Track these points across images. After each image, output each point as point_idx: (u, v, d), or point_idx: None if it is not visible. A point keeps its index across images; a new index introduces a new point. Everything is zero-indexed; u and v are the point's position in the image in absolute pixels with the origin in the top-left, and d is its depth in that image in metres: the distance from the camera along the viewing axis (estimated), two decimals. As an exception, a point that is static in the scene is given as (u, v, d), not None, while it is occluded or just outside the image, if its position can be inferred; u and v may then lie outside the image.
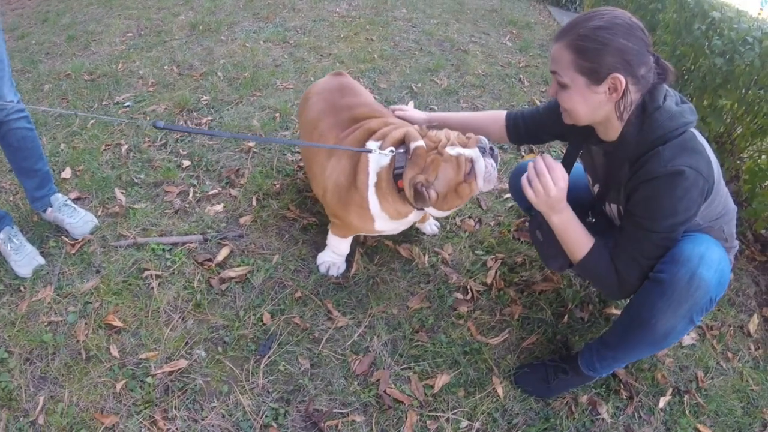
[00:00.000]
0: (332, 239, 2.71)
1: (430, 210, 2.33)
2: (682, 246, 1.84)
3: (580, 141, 2.21)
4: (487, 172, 2.25)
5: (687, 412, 2.35)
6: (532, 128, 2.46)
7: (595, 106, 1.84)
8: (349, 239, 2.70)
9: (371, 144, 2.37)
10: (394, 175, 2.27)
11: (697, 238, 1.86)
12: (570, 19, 1.86)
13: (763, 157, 3.49)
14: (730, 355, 2.64)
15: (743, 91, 3.52)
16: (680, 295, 1.78)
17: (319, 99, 2.72)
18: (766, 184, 3.33)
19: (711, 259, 1.79)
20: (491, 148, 2.29)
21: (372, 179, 2.33)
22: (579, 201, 2.19)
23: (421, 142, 2.24)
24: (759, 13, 5.70)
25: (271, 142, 2.66)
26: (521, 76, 5.35)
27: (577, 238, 2.06)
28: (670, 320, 1.82)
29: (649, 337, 1.90)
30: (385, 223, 2.44)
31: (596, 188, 2.21)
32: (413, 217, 2.45)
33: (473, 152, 2.24)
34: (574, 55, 1.78)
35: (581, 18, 1.81)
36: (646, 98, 1.82)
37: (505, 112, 2.55)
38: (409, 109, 2.76)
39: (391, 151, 2.29)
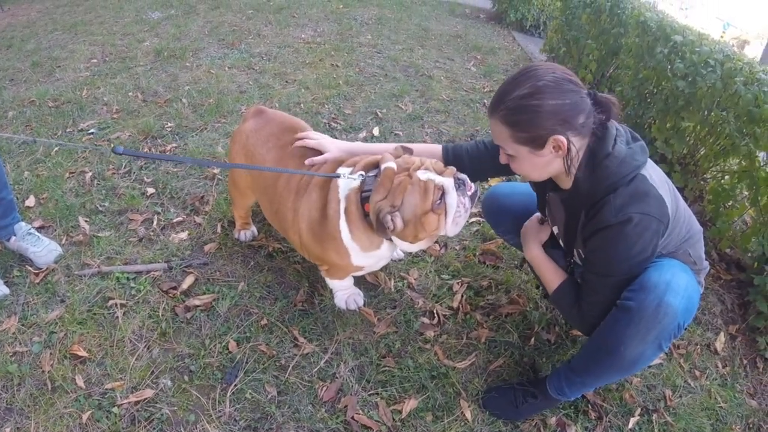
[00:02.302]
0: (332, 284, 2.67)
1: (396, 241, 2.26)
2: (649, 273, 1.86)
3: (537, 187, 2.28)
4: (457, 212, 2.13)
5: (656, 430, 2.38)
6: (476, 165, 2.39)
7: (543, 166, 1.88)
8: (349, 277, 2.66)
9: (341, 170, 2.32)
10: (362, 198, 2.19)
11: (664, 265, 1.89)
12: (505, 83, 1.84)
13: (726, 177, 3.56)
14: (697, 373, 2.68)
15: (705, 112, 3.59)
16: (648, 322, 1.80)
17: (270, 149, 2.58)
18: (729, 204, 3.39)
19: (678, 286, 1.82)
20: (473, 188, 2.18)
21: (342, 205, 2.25)
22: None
23: (392, 164, 2.15)
24: (721, 36, 5.82)
25: (232, 168, 2.60)
26: (486, 101, 5.43)
27: (546, 275, 2.18)
28: (638, 347, 1.84)
29: (618, 364, 1.93)
30: (360, 256, 2.35)
31: (556, 230, 2.25)
32: (387, 250, 2.36)
33: (446, 181, 2.11)
34: (510, 130, 1.81)
35: (505, 88, 1.82)
36: (595, 144, 1.84)
37: (441, 146, 2.46)
38: (321, 137, 2.55)
39: (361, 175, 2.23)
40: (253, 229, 3.14)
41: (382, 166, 2.16)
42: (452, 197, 2.11)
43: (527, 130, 1.77)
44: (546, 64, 1.83)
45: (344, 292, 2.72)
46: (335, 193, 2.28)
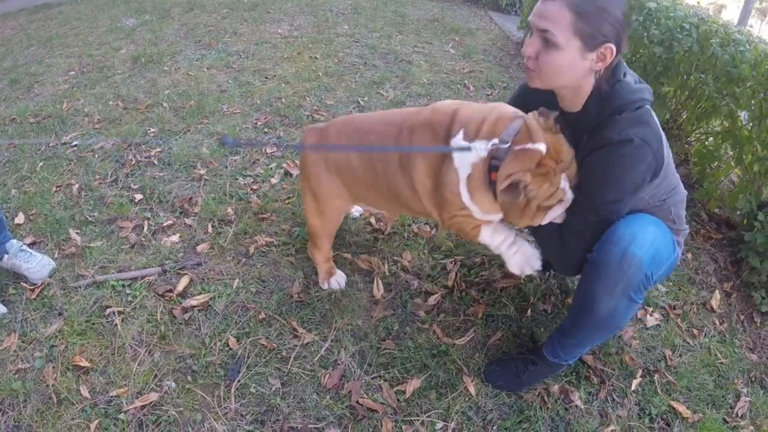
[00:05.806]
0: (485, 236, 2.28)
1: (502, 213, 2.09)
2: (616, 226, 1.90)
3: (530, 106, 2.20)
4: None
5: (659, 390, 2.42)
6: None
7: (578, 72, 1.85)
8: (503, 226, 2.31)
9: (456, 140, 2.05)
10: (491, 165, 1.98)
11: (633, 219, 1.93)
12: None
13: (710, 139, 3.60)
14: (695, 331, 2.73)
15: (684, 77, 3.63)
16: (614, 274, 1.84)
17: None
18: (715, 164, 3.43)
19: (644, 238, 1.86)
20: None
21: (463, 173, 2.05)
22: None
23: (542, 147, 1.88)
24: (698, 2, 5.86)
25: (351, 151, 2.38)
26: (466, 81, 5.45)
27: None
28: (609, 301, 1.87)
29: (594, 321, 1.95)
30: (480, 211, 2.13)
31: None
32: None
33: (569, 196, 1.97)
34: (575, 17, 1.73)
35: None
36: (609, 71, 1.87)
37: None
38: None
39: (494, 144, 1.97)
40: (341, 273, 2.84)
41: (530, 146, 1.89)
42: (558, 210, 2.00)
43: (592, 25, 1.74)
44: None
45: (513, 250, 2.26)
46: (451, 162, 2.07)
